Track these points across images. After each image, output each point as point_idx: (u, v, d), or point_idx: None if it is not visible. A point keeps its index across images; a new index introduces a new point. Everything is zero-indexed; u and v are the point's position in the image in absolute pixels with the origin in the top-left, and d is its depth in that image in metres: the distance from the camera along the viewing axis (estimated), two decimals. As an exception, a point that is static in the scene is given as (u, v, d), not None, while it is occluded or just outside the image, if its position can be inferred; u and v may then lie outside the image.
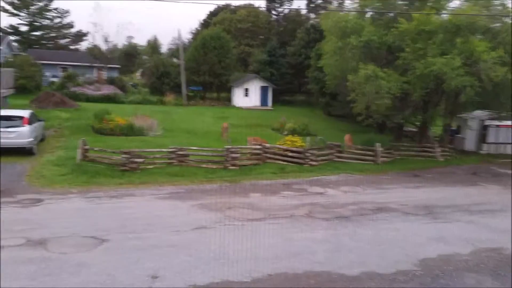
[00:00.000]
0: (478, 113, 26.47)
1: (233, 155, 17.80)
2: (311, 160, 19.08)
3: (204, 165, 17.53)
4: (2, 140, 16.61)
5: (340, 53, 23.72)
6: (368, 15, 24.82)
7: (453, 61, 19.03)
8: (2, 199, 12.00)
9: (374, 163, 20.49)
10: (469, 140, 27.17)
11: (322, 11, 36.02)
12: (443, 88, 20.75)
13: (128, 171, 15.89)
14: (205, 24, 59.79)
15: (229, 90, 46.93)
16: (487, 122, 26.38)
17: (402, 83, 20.57)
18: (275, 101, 44.75)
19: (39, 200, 12.21)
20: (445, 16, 22.45)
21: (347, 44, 22.37)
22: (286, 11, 59.98)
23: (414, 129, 28.55)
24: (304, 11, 58.79)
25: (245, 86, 44.01)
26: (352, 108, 22.72)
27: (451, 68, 18.93)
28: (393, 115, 22.51)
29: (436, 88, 21.37)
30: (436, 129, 28.86)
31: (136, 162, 16.16)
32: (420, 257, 9.26)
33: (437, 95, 23.13)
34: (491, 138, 26.70)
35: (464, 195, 15.70)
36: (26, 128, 17.23)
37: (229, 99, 46.24)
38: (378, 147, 20.83)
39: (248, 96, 43.77)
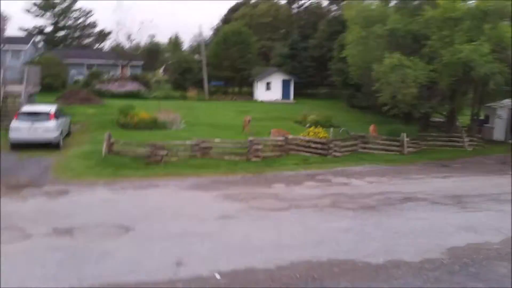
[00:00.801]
0: (508, 102, 25.68)
1: (256, 146, 17.72)
2: (335, 151, 18.84)
3: (227, 157, 17.53)
4: (29, 136, 17.02)
5: (364, 42, 23.34)
6: (392, 3, 24.32)
7: (482, 47, 18.46)
8: (29, 191, 12.23)
9: (400, 154, 20.11)
10: (498, 130, 26.45)
11: (345, 2, 35.47)
12: (472, 76, 20.16)
13: (152, 163, 16.02)
14: (226, 20, 59.85)
15: (251, 85, 46.89)
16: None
17: (428, 71, 20.08)
18: (297, 95, 44.33)
19: (66, 191, 12.38)
20: (471, 2, 21.81)
21: (371, 33, 21.98)
22: (307, 3, 59.53)
23: (440, 119, 27.91)
24: (325, 3, 58.18)
25: (267, 80, 43.76)
26: (377, 99, 22.31)
27: (479, 55, 18.39)
28: (420, 104, 21.96)
29: (464, 76, 20.78)
30: (463, 119, 28.13)
31: (160, 155, 16.29)
32: (448, 245, 9.00)
33: (465, 83, 22.53)
34: (521, 127, 25.91)
35: (494, 184, 15.23)
36: (52, 123, 17.54)
37: (251, 94, 46.17)
38: (404, 137, 20.43)
39: (270, 90, 43.45)
